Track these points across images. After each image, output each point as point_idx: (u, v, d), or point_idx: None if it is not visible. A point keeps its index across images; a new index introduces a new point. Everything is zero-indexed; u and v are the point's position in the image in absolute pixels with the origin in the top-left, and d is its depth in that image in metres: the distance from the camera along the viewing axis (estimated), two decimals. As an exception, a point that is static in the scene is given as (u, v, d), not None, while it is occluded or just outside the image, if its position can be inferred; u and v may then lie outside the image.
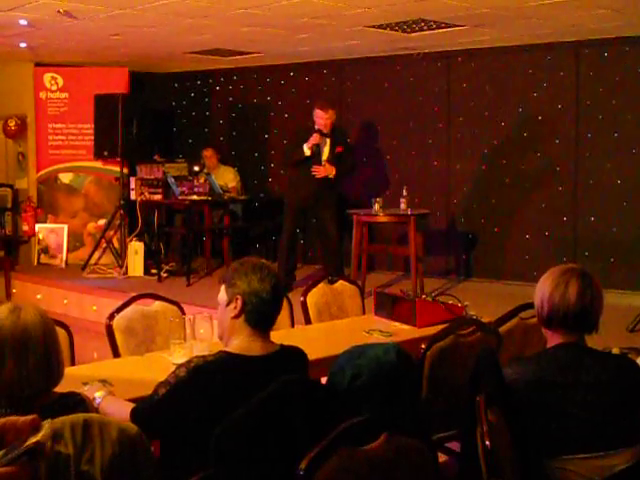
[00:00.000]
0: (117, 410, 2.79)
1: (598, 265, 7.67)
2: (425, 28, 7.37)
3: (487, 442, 2.46)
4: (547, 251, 8.24)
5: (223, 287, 2.87)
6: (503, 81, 8.52)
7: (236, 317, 2.81)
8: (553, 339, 2.77)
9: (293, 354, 2.95)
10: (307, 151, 7.61)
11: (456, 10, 6.55)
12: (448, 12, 6.66)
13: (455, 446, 3.46)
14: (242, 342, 2.81)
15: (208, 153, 9.76)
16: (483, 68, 8.66)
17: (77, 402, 2.43)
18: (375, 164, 9.46)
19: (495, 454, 2.47)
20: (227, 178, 9.52)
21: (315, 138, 7.58)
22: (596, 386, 2.66)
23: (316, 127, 7.63)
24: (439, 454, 3.05)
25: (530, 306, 3.03)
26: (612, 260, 7.92)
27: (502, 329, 3.78)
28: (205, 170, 9.49)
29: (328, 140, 7.69)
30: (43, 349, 2.37)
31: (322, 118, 7.59)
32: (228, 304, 2.83)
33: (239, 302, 2.79)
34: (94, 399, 2.82)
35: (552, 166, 8.30)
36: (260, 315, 2.82)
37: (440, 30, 7.45)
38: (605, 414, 2.64)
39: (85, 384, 3.02)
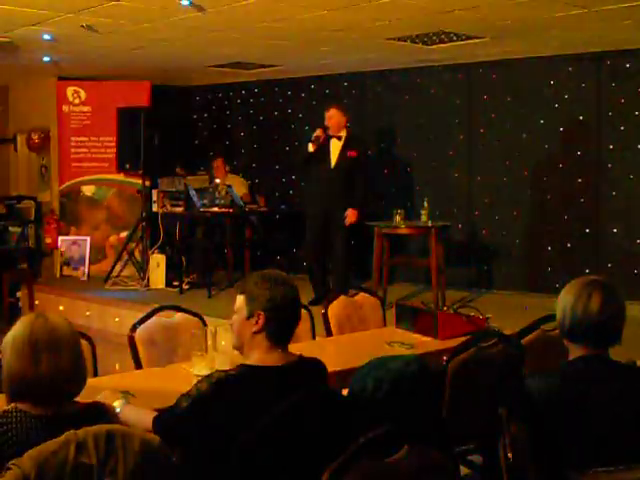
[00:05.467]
0: (137, 419, 2.80)
1: (621, 277, 7.61)
2: (446, 40, 7.37)
3: (509, 455, 2.45)
4: (569, 263, 8.19)
5: (243, 298, 2.85)
6: (524, 93, 8.50)
7: (257, 332, 2.81)
8: (575, 351, 2.76)
9: (312, 365, 2.95)
10: (310, 147, 7.59)
11: (476, 22, 6.55)
12: (468, 24, 6.66)
13: (477, 459, 3.45)
14: (262, 354, 2.81)
15: (216, 164, 9.75)
16: (504, 80, 8.64)
17: (101, 413, 2.45)
18: (396, 176, 9.45)
19: (517, 467, 2.46)
20: (235, 187, 9.47)
21: (317, 131, 7.58)
22: (619, 398, 2.64)
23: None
24: (461, 467, 3.05)
25: (552, 318, 3.01)
26: (635, 272, 7.86)
27: (524, 341, 3.76)
28: (216, 180, 9.45)
29: (340, 143, 7.62)
30: (73, 347, 2.40)
31: (325, 117, 7.66)
32: (248, 318, 2.82)
33: (262, 318, 2.78)
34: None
35: (574, 178, 8.25)
36: (282, 329, 2.82)
37: (461, 42, 7.45)
38: (629, 427, 2.62)
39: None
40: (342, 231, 7.63)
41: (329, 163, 7.63)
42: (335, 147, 7.63)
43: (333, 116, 7.64)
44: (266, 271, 2.91)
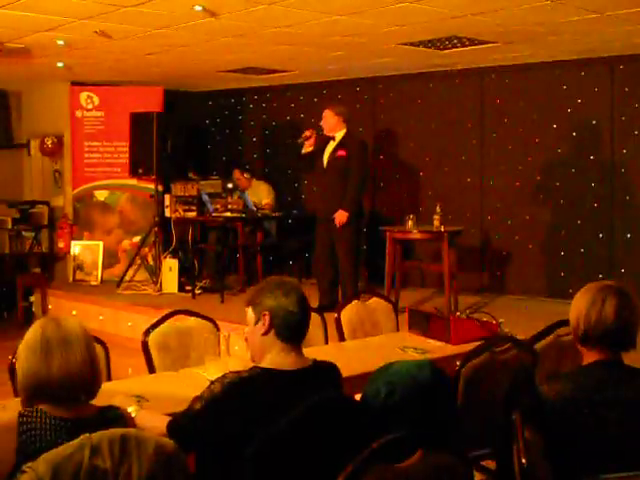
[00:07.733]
0: (152, 424, 2.81)
1: (635, 282, 7.58)
2: (458, 45, 7.37)
3: (523, 460, 2.44)
4: (583, 268, 8.16)
5: (250, 309, 2.90)
6: (537, 97, 8.49)
7: (266, 333, 2.83)
8: (589, 356, 2.75)
9: (326, 369, 2.96)
10: (303, 148, 7.56)
11: (489, 27, 6.55)
12: (481, 29, 6.66)
13: (491, 464, 3.43)
14: (274, 357, 2.82)
15: (235, 175, 9.80)
16: (517, 84, 8.63)
17: (116, 416, 2.46)
18: (408, 181, 9.45)
19: (531, 473, 2.45)
20: (261, 195, 9.55)
21: (306, 132, 7.55)
22: (634, 403, 2.63)
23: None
24: (475, 472, 3.03)
25: (566, 323, 3.00)
26: (649, 277, 7.84)
27: (538, 346, 3.75)
28: (239, 189, 9.53)
29: (333, 144, 7.48)
30: (85, 344, 2.42)
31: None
32: (256, 323, 2.85)
33: (267, 318, 2.81)
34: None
35: (587, 182, 8.23)
36: (289, 328, 2.84)
37: (473, 47, 7.44)
38: (643, 432, 2.61)
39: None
40: (342, 234, 7.39)
41: (323, 165, 7.57)
42: (329, 148, 7.51)
43: (325, 117, 7.50)
44: (268, 278, 3.01)
